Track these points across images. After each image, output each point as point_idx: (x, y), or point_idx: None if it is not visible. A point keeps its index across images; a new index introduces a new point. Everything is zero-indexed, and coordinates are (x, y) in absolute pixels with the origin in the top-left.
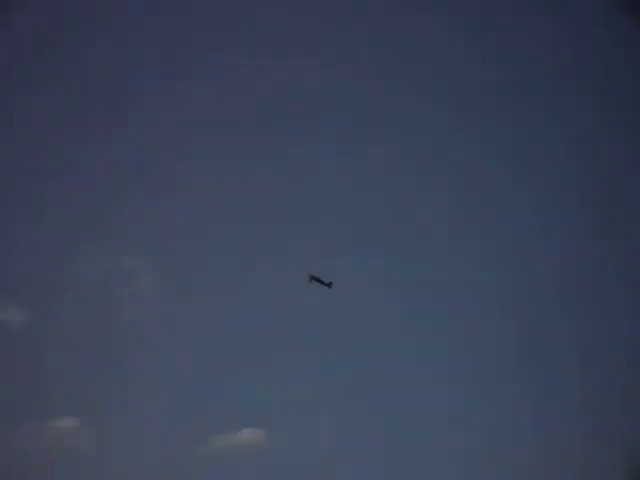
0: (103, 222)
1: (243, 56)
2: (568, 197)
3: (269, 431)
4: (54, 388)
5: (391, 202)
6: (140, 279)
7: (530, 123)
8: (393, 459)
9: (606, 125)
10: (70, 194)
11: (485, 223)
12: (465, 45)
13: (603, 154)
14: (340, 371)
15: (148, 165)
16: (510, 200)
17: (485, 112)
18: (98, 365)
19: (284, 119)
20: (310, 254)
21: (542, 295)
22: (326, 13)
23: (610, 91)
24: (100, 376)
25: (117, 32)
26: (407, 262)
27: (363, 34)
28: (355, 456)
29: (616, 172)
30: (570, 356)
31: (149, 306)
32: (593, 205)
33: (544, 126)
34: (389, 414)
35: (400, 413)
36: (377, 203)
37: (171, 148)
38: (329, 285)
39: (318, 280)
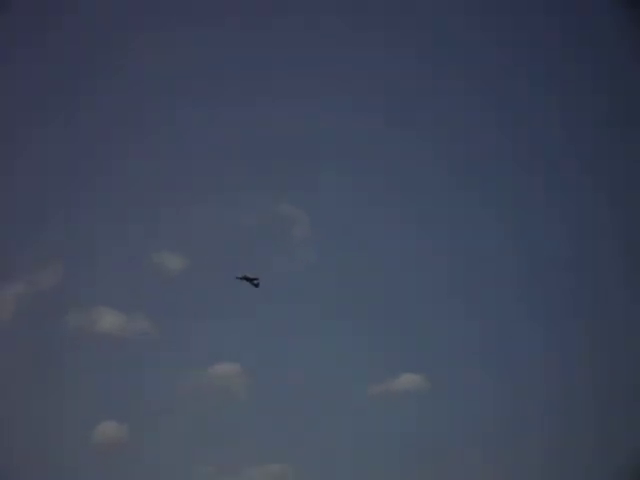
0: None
1: None
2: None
3: (429, 377)
4: (212, 334)
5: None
6: (296, 227)
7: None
8: None
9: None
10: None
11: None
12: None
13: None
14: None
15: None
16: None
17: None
18: (257, 310)
19: None
20: None
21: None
22: None
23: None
24: (256, 322)
25: None
26: None
27: None
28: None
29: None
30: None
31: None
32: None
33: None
34: None
35: None
36: None
37: None
38: (256, 285)
39: (246, 279)
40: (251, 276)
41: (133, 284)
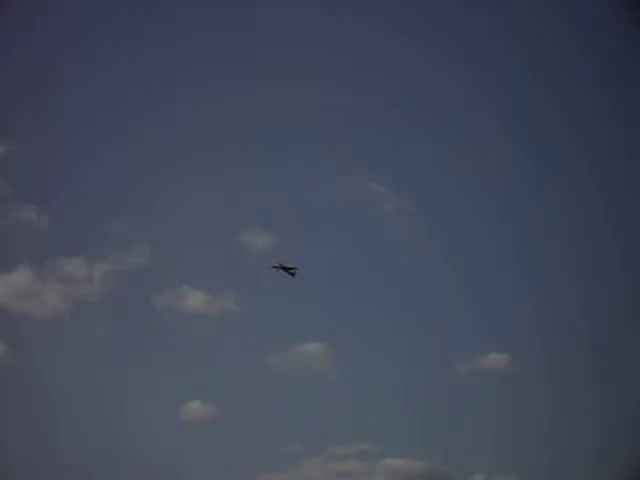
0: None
1: None
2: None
3: (513, 356)
4: (299, 313)
5: None
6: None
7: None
8: None
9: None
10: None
11: None
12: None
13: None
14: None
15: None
16: None
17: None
18: (344, 289)
19: None
20: None
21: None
22: None
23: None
24: (343, 300)
25: None
26: None
27: None
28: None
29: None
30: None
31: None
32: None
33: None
34: None
35: None
36: None
37: None
38: (293, 274)
39: (283, 268)
40: (288, 265)
41: (221, 263)
